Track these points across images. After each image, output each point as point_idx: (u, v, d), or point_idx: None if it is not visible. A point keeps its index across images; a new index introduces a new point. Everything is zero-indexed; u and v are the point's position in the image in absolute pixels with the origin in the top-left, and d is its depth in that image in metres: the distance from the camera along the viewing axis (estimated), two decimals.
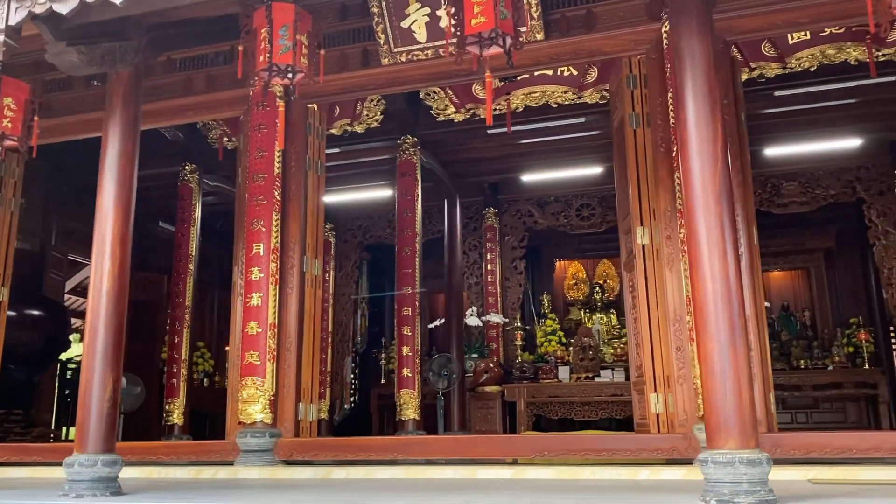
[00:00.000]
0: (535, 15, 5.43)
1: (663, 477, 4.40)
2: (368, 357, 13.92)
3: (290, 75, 4.24)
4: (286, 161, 5.90)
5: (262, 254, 5.65)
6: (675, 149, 4.95)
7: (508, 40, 3.90)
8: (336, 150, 9.25)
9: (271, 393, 5.47)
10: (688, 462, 4.61)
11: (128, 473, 5.36)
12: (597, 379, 10.24)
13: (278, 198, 5.79)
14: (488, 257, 12.27)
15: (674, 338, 4.84)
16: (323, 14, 6.03)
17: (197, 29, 4.81)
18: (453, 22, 3.85)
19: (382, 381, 12.91)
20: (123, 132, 4.32)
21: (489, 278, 12.21)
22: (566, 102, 8.37)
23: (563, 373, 10.59)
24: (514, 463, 4.95)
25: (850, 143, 9.66)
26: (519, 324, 11.93)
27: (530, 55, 5.51)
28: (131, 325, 11.86)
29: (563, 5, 5.50)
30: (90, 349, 4.05)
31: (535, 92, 8.25)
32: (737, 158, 4.84)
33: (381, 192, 11.31)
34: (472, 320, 11.13)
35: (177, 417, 9.11)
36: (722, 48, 5.08)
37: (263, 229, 5.70)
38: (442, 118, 8.77)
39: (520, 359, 11.65)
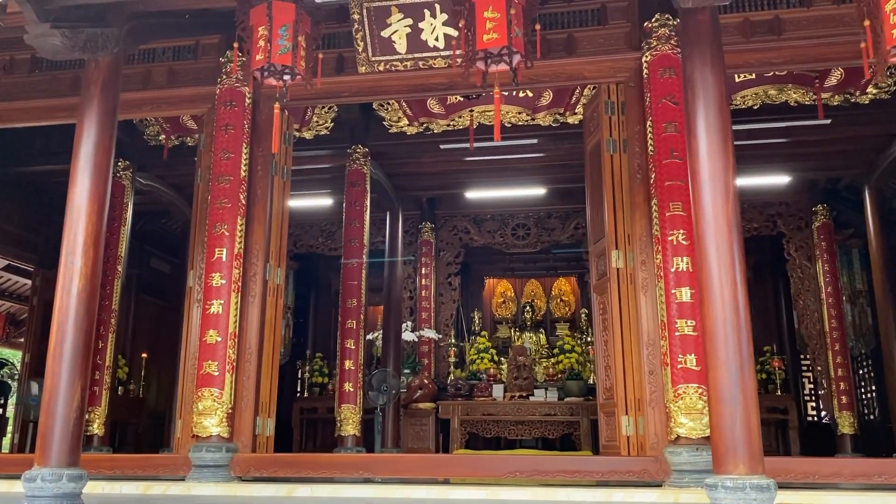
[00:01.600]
0: (517, 32, 5.46)
1: (638, 500, 4.44)
2: (291, 369, 13.59)
3: (286, 77, 4.09)
4: (252, 164, 5.69)
5: (224, 259, 5.41)
6: (652, 176, 5.09)
7: (517, 58, 3.90)
8: None
9: (229, 406, 5.22)
10: (657, 485, 4.69)
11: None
12: (531, 398, 10.30)
13: (244, 202, 5.57)
14: (423, 272, 12.23)
15: (646, 361, 4.93)
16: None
17: (177, 20, 4.59)
18: (467, 35, 3.81)
19: (305, 395, 12.65)
20: (101, 123, 4.06)
21: (423, 293, 12.17)
22: (520, 123, 8.47)
23: (497, 391, 10.62)
24: (488, 484, 4.90)
25: (777, 179, 10.20)
26: (453, 340, 11.92)
27: (509, 75, 5.53)
28: (43, 326, 11.21)
29: (545, 27, 5.56)
30: (57, 353, 3.75)
31: (490, 111, 8.31)
32: None
33: (317, 201, 11.11)
34: (407, 335, 11.02)
35: (97, 427, 8.56)
36: None
37: (227, 234, 5.46)
38: (394, 130, 8.73)
39: (452, 376, 11.64)
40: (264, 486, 4.94)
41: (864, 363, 11.39)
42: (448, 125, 8.70)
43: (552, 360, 11.86)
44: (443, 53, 5.63)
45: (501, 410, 10.24)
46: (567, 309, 13.47)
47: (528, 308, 13.04)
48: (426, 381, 10.82)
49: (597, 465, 4.85)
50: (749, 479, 3.03)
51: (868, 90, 7.08)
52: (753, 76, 6.86)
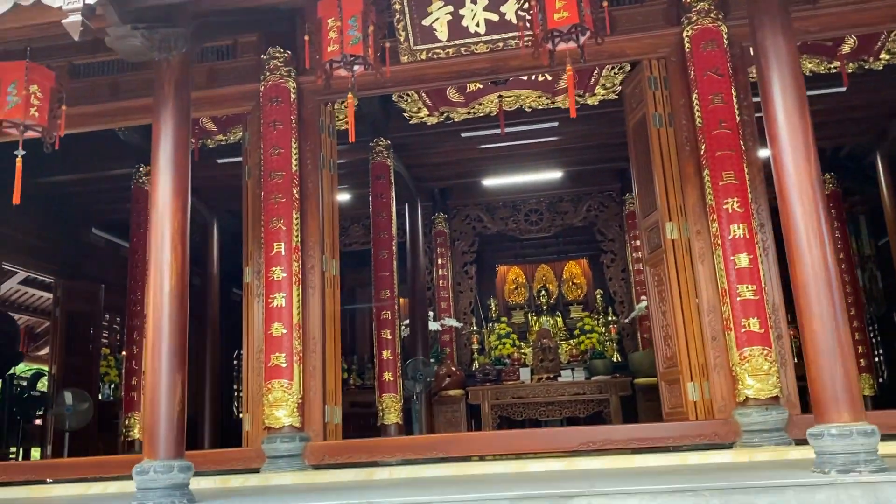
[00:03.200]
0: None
1: (714, 461, 4.58)
2: None
3: (356, 66, 4.16)
4: (302, 159, 5.76)
5: (283, 253, 5.48)
6: (702, 147, 5.20)
7: (586, 35, 4.00)
8: None
9: (299, 396, 5.30)
10: (727, 446, 4.82)
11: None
12: (559, 379, 10.45)
13: (297, 196, 5.64)
14: (439, 262, 12.33)
15: (708, 328, 5.06)
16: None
17: (236, 19, 4.65)
18: (536, 16, 3.90)
19: None
20: (177, 121, 4.12)
21: (441, 283, 12.26)
22: (539, 107, 8.53)
23: (525, 374, 10.77)
24: (560, 456, 5.02)
25: None
26: (475, 328, 12.05)
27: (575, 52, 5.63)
28: (67, 337, 11.17)
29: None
30: (155, 350, 3.81)
31: (509, 96, 8.39)
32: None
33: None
34: (432, 325, 11.13)
35: (138, 432, 8.60)
36: (738, 53, 5.39)
37: (283, 228, 5.53)
38: (415, 121, 8.77)
39: (477, 362, 11.78)
40: (342, 472, 5.03)
41: (873, 328, 11.53)
42: (468, 113, 8.74)
43: (574, 341, 12.00)
44: (484, 38, 5.71)
45: (531, 393, 10.38)
46: (579, 291, 13.59)
47: (543, 292, 13.15)
48: (453, 369, 10.94)
49: (668, 431, 4.98)
50: (855, 425, 3.16)
51: (881, 56, 7.22)
52: None
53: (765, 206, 5.15)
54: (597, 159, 11.06)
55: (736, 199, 4.99)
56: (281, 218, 5.55)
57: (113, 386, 11.89)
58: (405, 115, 8.67)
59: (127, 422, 8.68)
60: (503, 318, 12.52)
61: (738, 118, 5.17)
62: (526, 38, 4.14)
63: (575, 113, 4.27)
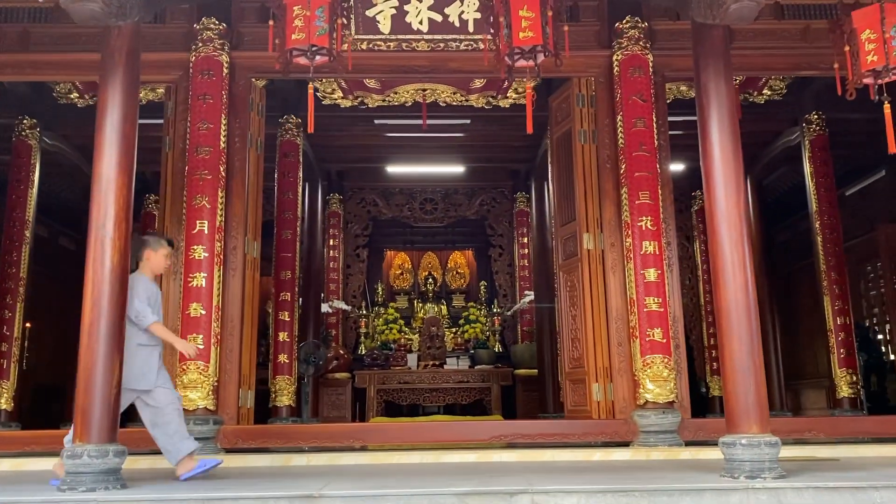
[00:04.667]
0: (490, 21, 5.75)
1: (615, 458, 4.97)
2: None
3: (317, 57, 4.15)
4: (230, 136, 5.63)
5: (206, 232, 5.36)
6: (622, 166, 5.58)
7: (542, 56, 4.20)
8: None
9: (214, 378, 5.22)
10: (625, 444, 5.25)
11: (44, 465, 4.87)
12: (444, 366, 10.75)
13: (223, 173, 5.51)
14: (331, 243, 12.28)
15: (615, 334, 5.46)
16: None
17: None
18: (501, 32, 4.06)
19: None
20: (126, 93, 3.94)
21: (332, 265, 12.23)
22: (454, 103, 8.71)
23: (412, 360, 10.99)
24: (473, 448, 5.24)
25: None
26: (364, 312, 12.12)
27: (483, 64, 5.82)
28: None
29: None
30: (93, 329, 3.66)
31: (425, 89, 8.51)
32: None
33: None
34: (323, 307, 11.09)
35: (5, 403, 8.07)
36: (660, 81, 5.80)
37: (208, 206, 5.40)
38: (327, 102, 8.71)
39: (363, 347, 11.87)
40: (257, 457, 5.02)
41: None
42: (383, 101, 8.78)
43: (458, 330, 12.34)
44: (426, 37, 5.80)
45: (416, 379, 10.62)
46: (462, 281, 13.95)
47: (430, 279, 13.38)
48: (341, 352, 11.00)
49: (573, 428, 5.34)
50: (762, 437, 3.58)
51: (764, 91, 7.95)
52: None
53: (672, 225, 5.60)
54: (495, 158, 11.42)
55: (649, 217, 5.41)
56: (205, 196, 5.41)
57: None
58: (318, 94, 8.58)
59: None
60: (392, 304, 12.66)
61: (656, 142, 5.57)
62: (490, 51, 4.28)
63: (531, 129, 4.47)
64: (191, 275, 5.29)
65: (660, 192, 5.49)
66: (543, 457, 5.01)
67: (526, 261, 12.15)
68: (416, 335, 12.31)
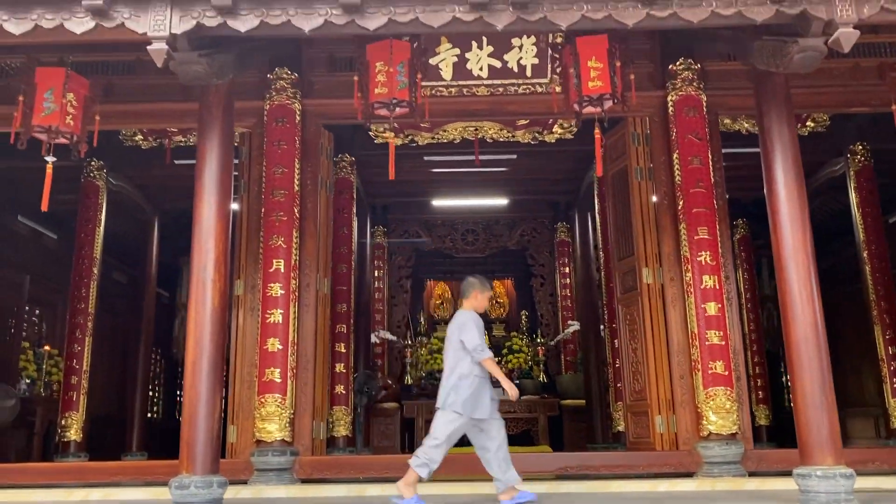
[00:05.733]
0: (556, 69, 6.01)
1: (681, 489, 5.10)
2: None
3: (397, 109, 4.42)
4: (303, 179, 5.91)
5: (282, 270, 5.62)
6: (680, 203, 5.76)
7: (609, 103, 4.43)
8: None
9: (291, 411, 5.45)
10: (688, 475, 5.37)
11: (133, 495, 5.12)
12: None
13: (297, 214, 5.79)
14: (376, 275, 12.53)
15: (677, 367, 5.60)
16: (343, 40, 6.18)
17: (260, 44, 4.79)
18: (572, 82, 4.30)
19: None
20: (222, 145, 4.24)
21: (377, 295, 12.47)
22: (501, 139, 8.97)
23: None
24: (541, 479, 5.39)
25: None
26: (410, 342, 12.33)
27: (548, 104, 6.07)
28: None
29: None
30: (195, 367, 3.91)
31: (472, 126, 8.78)
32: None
33: None
34: (371, 337, 11.32)
35: (74, 433, 8.38)
36: (713, 119, 6.00)
37: (283, 246, 5.67)
38: (379, 141, 9.01)
39: (409, 377, 12.06)
40: (332, 487, 5.22)
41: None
42: (432, 138, 9.06)
43: (501, 359, 12.47)
44: (486, 82, 6.07)
45: None
46: (502, 310, 14.13)
47: None
48: (389, 382, 11.18)
49: (638, 460, 5.48)
50: (837, 469, 3.71)
51: (807, 124, 8.10)
52: None
53: (730, 260, 5.76)
54: (536, 190, 11.66)
55: (708, 252, 5.57)
56: (281, 236, 5.68)
57: (30, 381, 11.36)
58: (370, 133, 8.89)
59: (63, 422, 8.42)
60: (435, 335, 12.86)
61: (712, 178, 5.75)
62: (559, 98, 4.51)
63: (601, 171, 4.69)
64: (268, 311, 5.54)
65: (717, 227, 5.66)
66: (610, 488, 5.15)
67: (568, 290, 12.29)
68: None
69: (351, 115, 6.35)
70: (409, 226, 13.00)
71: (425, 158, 9.61)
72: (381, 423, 10.88)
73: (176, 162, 9.18)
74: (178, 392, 13.69)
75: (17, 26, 3.50)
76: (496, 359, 12.00)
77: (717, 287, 5.53)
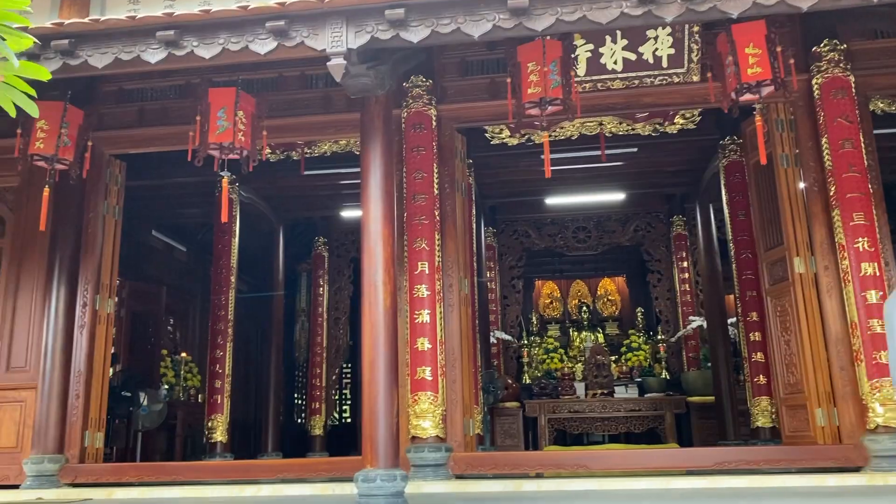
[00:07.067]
0: (694, 59, 5.93)
1: (850, 483, 4.93)
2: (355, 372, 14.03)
3: (549, 107, 4.47)
4: (441, 183, 6.05)
5: (426, 272, 5.77)
6: (831, 189, 5.57)
7: (768, 89, 4.34)
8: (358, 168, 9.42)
9: (443, 408, 5.58)
10: (854, 470, 5.17)
11: (300, 490, 5.34)
12: (615, 395, 10.78)
13: (438, 218, 5.93)
14: (488, 276, 12.60)
15: (836, 359, 5.41)
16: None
17: (406, 54, 4.92)
18: (731, 69, 4.24)
19: None
20: (384, 154, 4.40)
21: (490, 296, 12.54)
22: (620, 133, 8.87)
23: (580, 389, 11.08)
24: (700, 474, 5.33)
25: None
26: (525, 341, 12.37)
27: (686, 95, 6.00)
28: (130, 338, 11.34)
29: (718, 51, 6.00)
30: (374, 365, 4.08)
31: (591, 122, 8.72)
32: None
33: None
34: (489, 338, 11.42)
35: (220, 435, 8.83)
36: (863, 101, 5.78)
37: (426, 248, 5.81)
38: (496, 141, 9.06)
39: (527, 376, 12.10)
40: (488, 483, 5.31)
41: None
42: (550, 136, 9.04)
43: (618, 357, 12.34)
44: (620, 76, 6.05)
45: (587, 408, 10.69)
46: (614, 308, 13.99)
47: (584, 308, 13.50)
48: (509, 381, 11.24)
49: (798, 454, 5.33)
50: None
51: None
52: None
53: (889, 246, 5.52)
54: (652, 184, 11.46)
55: (866, 238, 5.36)
56: (424, 239, 5.83)
57: (168, 387, 12.04)
58: (486, 135, 8.97)
59: (210, 424, 8.89)
60: (549, 334, 12.85)
61: (865, 162, 5.54)
62: (715, 88, 4.46)
63: (765, 159, 4.59)
64: (416, 312, 5.70)
65: (874, 212, 5.45)
66: (773, 482, 5.02)
67: (687, 285, 12.05)
68: (578, 364, 12.42)
69: (484, 117, 6.56)
70: (519, 226, 13.03)
71: (541, 157, 9.60)
72: (504, 422, 10.94)
73: (306, 173, 9.56)
74: (296, 395, 14.18)
75: (207, 51, 3.76)
76: (613, 357, 12.07)
77: (878, 274, 5.32)
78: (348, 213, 11.82)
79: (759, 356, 7.30)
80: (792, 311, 5.76)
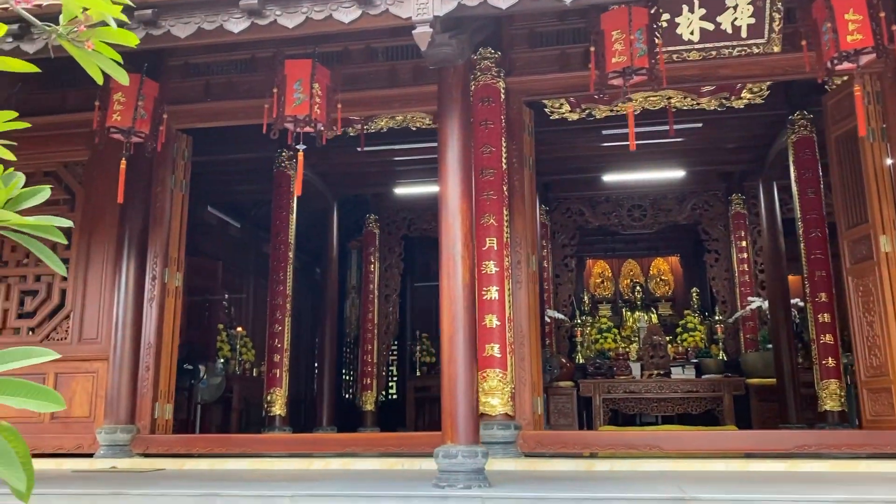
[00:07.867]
0: (776, 28, 5.70)
1: None
2: (402, 349, 14.09)
3: (633, 76, 4.33)
4: (509, 157, 5.95)
5: (495, 248, 5.69)
6: None
7: (868, 57, 4.13)
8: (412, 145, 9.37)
9: (511, 386, 5.52)
10: None
11: (369, 465, 5.33)
12: (672, 376, 10.61)
13: (506, 193, 5.83)
14: (541, 254, 12.47)
15: None
16: (547, 13, 6.13)
17: (480, 23, 4.80)
18: (829, 36, 4.04)
19: (417, 374, 13.01)
20: (462, 126, 4.31)
21: (543, 275, 12.42)
22: (684, 108, 8.63)
23: (635, 370, 10.94)
24: (778, 457, 5.20)
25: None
26: (579, 321, 12.24)
27: (766, 67, 5.78)
28: (188, 312, 11.50)
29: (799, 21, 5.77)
30: (452, 342, 4.03)
31: (655, 97, 8.49)
32: None
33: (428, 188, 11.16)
34: (544, 317, 11.33)
35: (279, 408, 8.93)
36: None
37: (495, 224, 5.73)
38: (555, 117, 8.89)
39: (580, 356, 11.99)
40: (557, 462, 5.24)
41: None
42: (610, 111, 8.85)
43: (673, 338, 12.16)
44: (697, 46, 5.85)
45: (643, 388, 10.54)
46: (667, 288, 13.79)
47: (638, 288, 13.33)
48: (563, 361, 11.14)
49: (883, 439, 5.15)
50: None
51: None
52: None
53: None
54: (710, 161, 11.17)
55: None
56: (492, 214, 5.74)
57: (224, 361, 12.22)
58: (546, 110, 8.79)
59: (269, 398, 8.98)
60: (602, 313, 12.71)
61: None
62: (810, 55, 4.27)
63: (864, 130, 4.40)
64: (484, 288, 5.62)
65: None
66: (858, 467, 4.87)
67: (746, 265, 11.76)
68: (632, 344, 12.27)
69: (553, 90, 6.41)
70: (572, 203, 12.84)
71: (603, 133, 9.43)
72: (558, 401, 10.85)
73: (363, 149, 9.53)
74: (343, 371, 14.24)
75: (290, 20, 3.71)
76: (668, 337, 11.88)
77: None
78: (401, 190, 11.78)
79: (827, 338, 7.10)
80: (876, 292, 5.55)
